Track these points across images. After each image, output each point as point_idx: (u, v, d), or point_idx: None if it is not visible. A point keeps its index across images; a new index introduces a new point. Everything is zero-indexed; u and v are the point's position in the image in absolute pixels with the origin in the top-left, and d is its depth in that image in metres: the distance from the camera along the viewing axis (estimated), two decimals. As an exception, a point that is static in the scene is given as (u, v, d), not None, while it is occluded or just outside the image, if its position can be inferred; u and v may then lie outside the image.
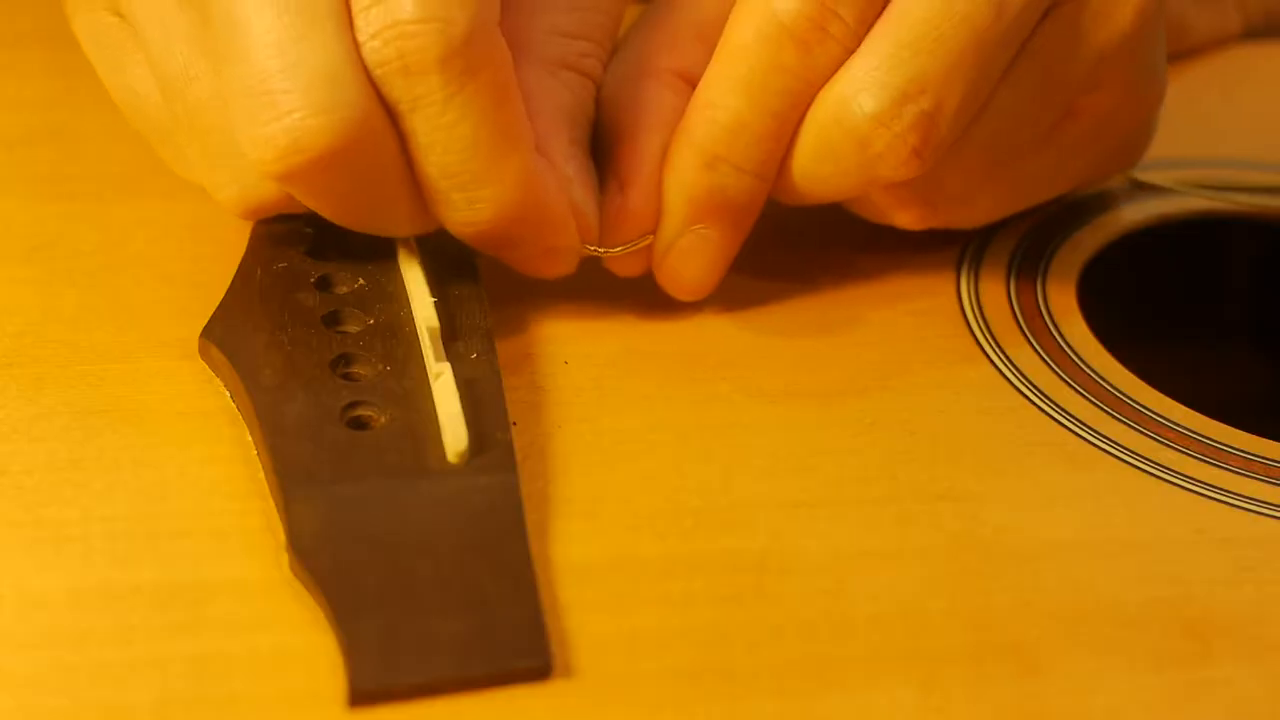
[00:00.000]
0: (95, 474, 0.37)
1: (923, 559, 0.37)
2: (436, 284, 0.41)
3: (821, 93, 0.41)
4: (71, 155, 0.49)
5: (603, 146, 0.43)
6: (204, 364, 0.40)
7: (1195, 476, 0.40)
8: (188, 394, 0.40)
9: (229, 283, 0.42)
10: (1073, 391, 0.42)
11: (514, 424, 0.39)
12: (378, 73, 0.38)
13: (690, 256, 0.43)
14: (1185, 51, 0.59)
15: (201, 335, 0.41)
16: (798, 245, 0.47)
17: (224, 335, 0.40)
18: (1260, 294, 0.55)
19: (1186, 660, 0.35)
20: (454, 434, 0.37)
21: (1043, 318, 0.45)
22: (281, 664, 0.33)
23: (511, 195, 0.39)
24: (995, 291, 0.46)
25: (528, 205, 0.40)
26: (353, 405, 0.38)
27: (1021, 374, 0.43)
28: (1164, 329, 0.55)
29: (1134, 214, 0.50)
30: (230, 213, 0.41)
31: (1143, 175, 0.50)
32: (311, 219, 0.41)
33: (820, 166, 0.42)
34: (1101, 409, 0.42)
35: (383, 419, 0.38)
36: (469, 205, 0.39)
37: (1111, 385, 0.43)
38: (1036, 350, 0.44)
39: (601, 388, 0.41)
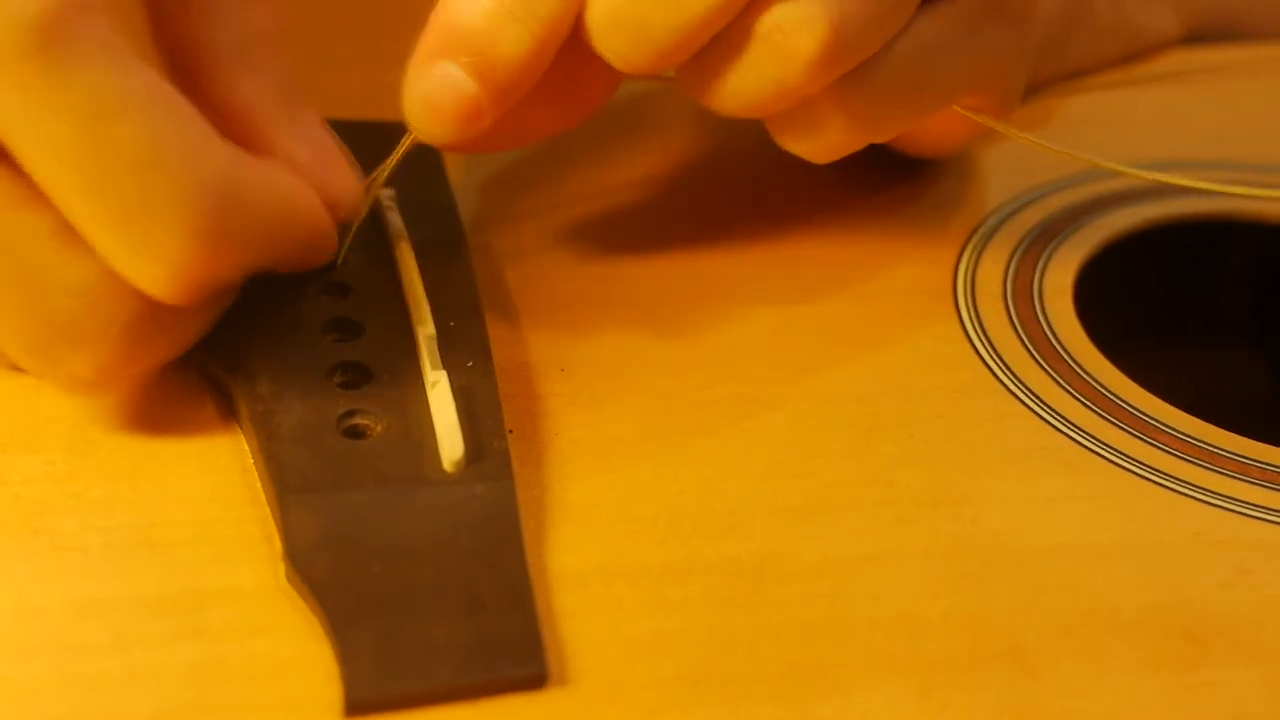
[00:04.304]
0: (93, 483, 0.37)
1: (921, 563, 0.37)
2: (433, 292, 0.41)
3: None
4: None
5: None
6: (201, 373, 0.40)
7: (1192, 481, 0.40)
8: (185, 403, 0.40)
9: (226, 291, 0.42)
10: (1069, 396, 0.42)
11: (510, 431, 0.39)
12: None
13: (438, 94, 0.39)
14: (1133, 54, 0.59)
15: (198, 345, 0.41)
16: (794, 251, 0.47)
17: (220, 344, 0.40)
18: (1259, 297, 0.55)
19: (1184, 663, 0.35)
20: (450, 442, 0.37)
21: (1039, 322, 0.45)
22: (278, 673, 0.34)
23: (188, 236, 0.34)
24: (992, 296, 0.46)
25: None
26: (349, 414, 0.38)
27: (1018, 379, 0.43)
28: (1161, 333, 0.55)
29: (1130, 217, 0.50)
30: None
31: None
32: None
33: None
34: (1098, 414, 0.42)
35: (379, 427, 0.38)
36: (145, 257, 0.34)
37: (1108, 390, 0.43)
38: (1033, 355, 0.44)
39: (597, 394, 0.41)
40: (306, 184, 0.38)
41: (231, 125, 0.38)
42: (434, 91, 0.39)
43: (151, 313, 0.36)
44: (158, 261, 0.34)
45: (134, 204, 0.34)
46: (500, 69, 0.39)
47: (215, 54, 0.38)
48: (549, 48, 0.39)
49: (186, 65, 0.38)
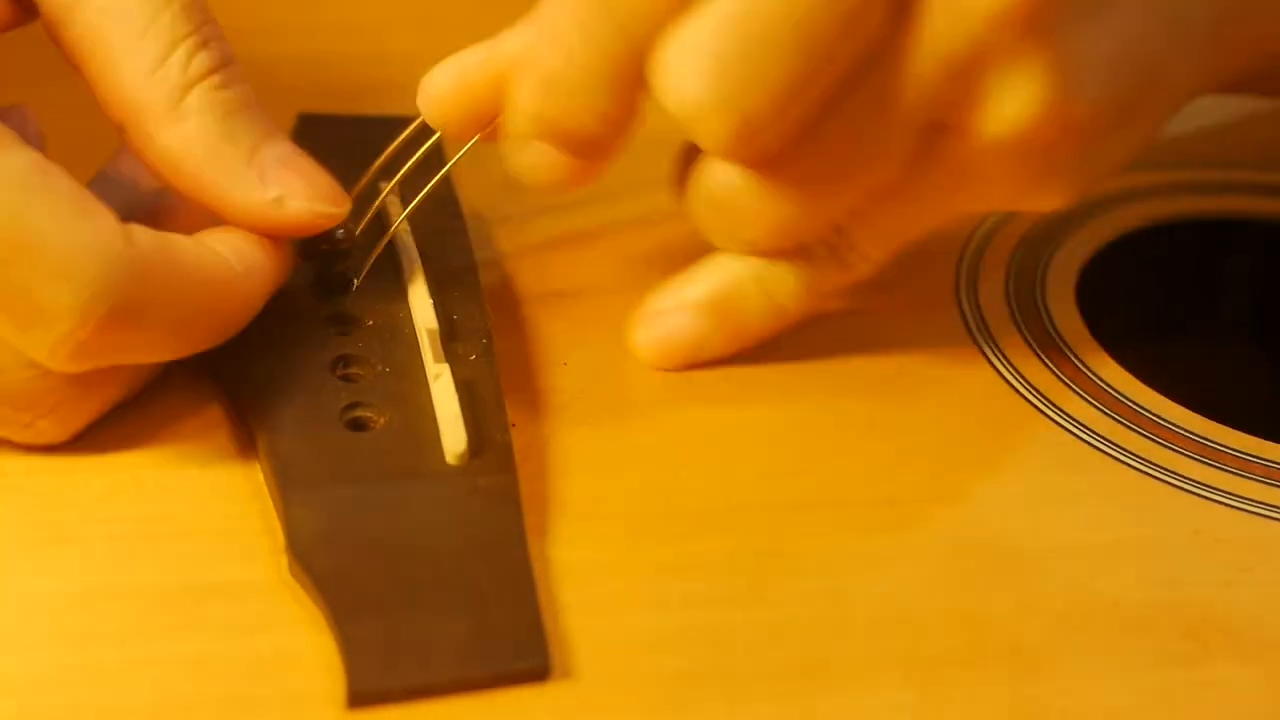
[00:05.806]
0: (94, 476, 0.37)
1: (921, 561, 0.37)
2: (436, 285, 0.41)
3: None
4: (71, 156, 0.49)
5: None
6: (202, 365, 0.40)
7: (1193, 477, 0.40)
8: (186, 395, 0.40)
9: (228, 284, 0.42)
10: (1071, 393, 0.42)
11: (513, 425, 0.39)
12: None
13: (536, 168, 0.40)
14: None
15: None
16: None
17: (223, 336, 0.40)
18: (1259, 295, 0.55)
19: (1185, 661, 0.35)
20: (453, 435, 0.37)
21: (1041, 319, 0.45)
22: (281, 666, 0.34)
23: None
24: (994, 292, 0.46)
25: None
26: (352, 406, 0.38)
27: (1020, 375, 0.43)
28: (1163, 330, 0.55)
29: (1132, 214, 0.50)
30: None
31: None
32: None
33: None
34: (1100, 410, 0.42)
35: (382, 420, 0.38)
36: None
37: (1110, 387, 0.43)
38: (1035, 352, 0.44)
39: (601, 389, 0.41)
40: (237, 257, 0.38)
41: (173, 180, 0.38)
42: (534, 167, 0.40)
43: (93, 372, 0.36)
44: (40, 340, 0.35)
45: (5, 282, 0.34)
46: (591, 145, 0.39)
47: (147, 110, 0.38)
48: (631, 117, 0.39)
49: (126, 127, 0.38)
